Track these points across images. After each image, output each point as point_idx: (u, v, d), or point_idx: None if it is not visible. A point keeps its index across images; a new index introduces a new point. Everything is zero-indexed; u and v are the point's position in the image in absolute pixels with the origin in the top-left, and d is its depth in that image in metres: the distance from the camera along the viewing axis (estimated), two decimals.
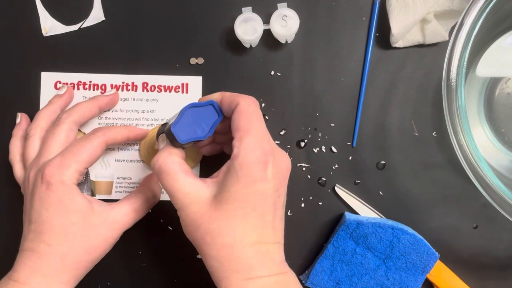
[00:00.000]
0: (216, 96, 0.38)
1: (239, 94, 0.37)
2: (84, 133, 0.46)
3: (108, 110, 0.46)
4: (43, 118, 0.43)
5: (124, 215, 0.40)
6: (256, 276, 0.34)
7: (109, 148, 0.46)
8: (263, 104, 0.46)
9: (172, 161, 0.36)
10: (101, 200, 0.41)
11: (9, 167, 0.44)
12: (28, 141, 0.42)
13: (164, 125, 0.39)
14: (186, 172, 0.36)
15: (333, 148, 0.46)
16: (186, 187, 0.36)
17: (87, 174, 0.46)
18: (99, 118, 0.46)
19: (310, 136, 0.46)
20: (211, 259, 0.35)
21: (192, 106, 0.36)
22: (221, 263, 0.35)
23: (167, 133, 0.37)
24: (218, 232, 0.35)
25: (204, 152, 0.44)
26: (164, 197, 0.46)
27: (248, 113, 0.36)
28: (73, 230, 0.38)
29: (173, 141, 0.37)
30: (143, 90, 0.46)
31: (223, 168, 0.36)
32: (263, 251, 0.35)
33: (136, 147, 0.46)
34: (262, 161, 0.34)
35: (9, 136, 0.44)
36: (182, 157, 0.38)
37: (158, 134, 0.40)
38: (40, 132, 0.42)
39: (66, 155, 0.39)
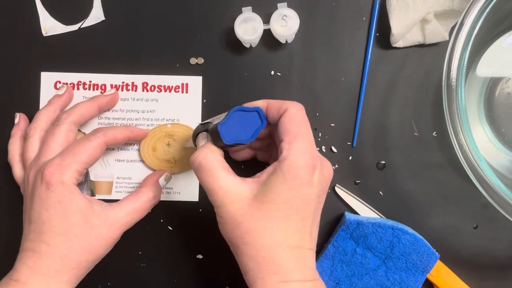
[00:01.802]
0: (260, 103, 0.38)
1: (287, 101, 0.37)
2: (84, 133, 0.46)
3: (108, 110, 0.46)
4: (42, 119, 0.43)
5: (124, 215, 0.41)
6: (291, 279, 0.34)
7: (109, 148, 0.46)
8: None
9: (213, 158, 0.36)
10: (101, 200, 0.41)
11: (8, 167, 0.44)
12: (27, 141, 0.42)
13: (204, 124, 0.40)
14: (226, 169, 0.36)
15: (333, 148, 0.46)
16: (227, 184, 0.35)
17: (87, 174, 0.46)
18: (99, 118, 0.46)
19: None
20: (249, 259, 0.35)
21: (239, 109, 0.36)
22: (259, 264, 0.35)
23: (212, 131, 0.37)
24: (258, 232, 0.35)
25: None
26: (164, 197, 0.46)
27: (298, 118, 0.36)
28: (73, 230, 0.38)
29: (216, 141, 0.37)
30: (143, 90, 0.46)
31: (269, 169, 0.36)
32: (301, 256, 0.35)
33: (136, 147, 0.46)
34: (310, 166, 0.35)
35: (8, 136, 0.44)
36: (222, 155, 0.38)
37: (196, 133, 0.40)
38: (40, 132, 0.42)
39: (65, 155, 0.39)
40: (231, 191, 0.35)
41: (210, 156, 0.36)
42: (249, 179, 0.37)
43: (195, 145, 0.40)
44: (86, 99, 0.45)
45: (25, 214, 0.40)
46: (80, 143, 0.40)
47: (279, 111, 0.37)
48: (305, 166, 0.35)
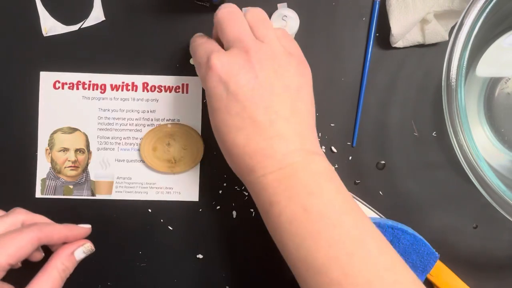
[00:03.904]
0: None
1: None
2: (85, 134, 0.46)
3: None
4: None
5: None
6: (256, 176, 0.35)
7: (109, 149, 0.46)
8: None
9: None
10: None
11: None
12: None
13: None
14: None
15: (333, 148, 0.46)
16: None
17: (87, 174, 0.46)
18: (99, 118, 0.46)
19: None
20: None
21: None
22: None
23: None
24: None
25: None
26: (164, 197, 0.46)
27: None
28: None
29: None
30: (143, 90, 0.46)
31: None
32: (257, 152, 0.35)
33: (136, 147, 0.46)
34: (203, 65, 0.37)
35: (8, 136, 0.44)
36: None
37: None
38: None
39: None
40: None
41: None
42: None
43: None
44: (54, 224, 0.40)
45: None
46: (11, 234, 0.36)
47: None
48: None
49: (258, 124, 0.34)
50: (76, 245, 0.40)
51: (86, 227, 0.41)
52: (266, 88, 0.35)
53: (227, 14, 0.37)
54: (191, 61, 0.46)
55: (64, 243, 0.40)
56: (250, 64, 0.35)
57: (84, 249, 0.40)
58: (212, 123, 0.37)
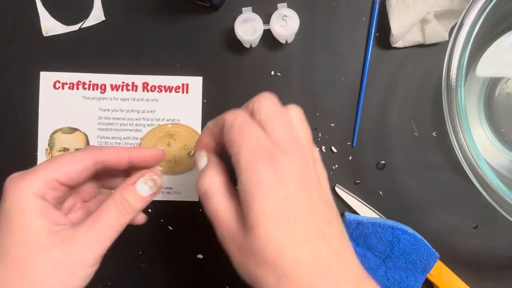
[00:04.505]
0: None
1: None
2: (85, 134, 0.46)
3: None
4: None
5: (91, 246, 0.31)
6: None
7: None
8: None
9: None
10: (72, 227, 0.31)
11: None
12: None
13: None
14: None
15: (333, 148, 0.46)
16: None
17: None
18: (99, 118, 0.46)
19: None
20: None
21: None
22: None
23: None
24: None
25: None
26: (164, 197, 0.46)
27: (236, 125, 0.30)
28: (14, 253, 0.29)
29: None
30: (143, 90, 0.46)
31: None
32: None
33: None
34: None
35: (8, 136, 0.44)
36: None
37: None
38: None
39: (40, 164, 0.32)
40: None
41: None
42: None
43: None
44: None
45: None
46: (62, 154, 0.33)
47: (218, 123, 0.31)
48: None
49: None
50: (138, 175, 0.34)
51: (158, 149, 0.35)
52: None
53: (238, 130, 0.30)
54: (191, 61, 0.46)
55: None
56: None
57: (145, 179, 0.33)
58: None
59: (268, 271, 0.27)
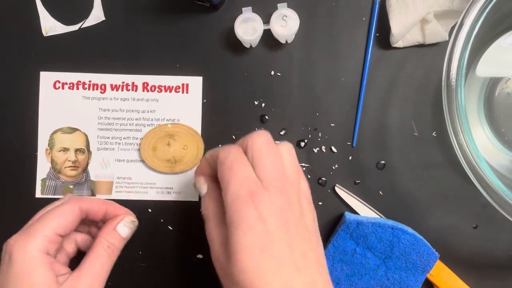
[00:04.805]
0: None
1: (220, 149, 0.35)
2: (85, 134, 0.46)
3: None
4: None
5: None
6: None
7: (109, 149, 0.46)
8: (263, 104, 0.46)
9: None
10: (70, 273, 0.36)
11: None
12: None
13: None
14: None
15: (333, 148, 0.46)
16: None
17: (87, 174, 0.46)
18: (99, 118, 0.46)
19: (310, 136, 0.46)
20: None
21: None
22: None
23: None
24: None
25: None
26: (164, 197, 0.46)
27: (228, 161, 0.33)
28: None
29: None
30: (143, 90, 0.46)
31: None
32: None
33: (136, 147, 0.46)
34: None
35: (8, 136, 0.44)
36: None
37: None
38: None
39: (35, 222, 0.36)
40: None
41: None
42: None
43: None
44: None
45: None
46: (52, 210, 0.37)
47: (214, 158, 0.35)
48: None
49: None
50: (117, 220, 0.39)
51: (128, 210, 0.41)
52: None
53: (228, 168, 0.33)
54: (191, 61, 0.46)
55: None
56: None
57: (125, 222, 0.39)
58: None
59: None
